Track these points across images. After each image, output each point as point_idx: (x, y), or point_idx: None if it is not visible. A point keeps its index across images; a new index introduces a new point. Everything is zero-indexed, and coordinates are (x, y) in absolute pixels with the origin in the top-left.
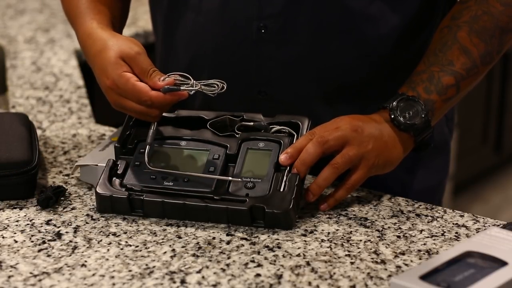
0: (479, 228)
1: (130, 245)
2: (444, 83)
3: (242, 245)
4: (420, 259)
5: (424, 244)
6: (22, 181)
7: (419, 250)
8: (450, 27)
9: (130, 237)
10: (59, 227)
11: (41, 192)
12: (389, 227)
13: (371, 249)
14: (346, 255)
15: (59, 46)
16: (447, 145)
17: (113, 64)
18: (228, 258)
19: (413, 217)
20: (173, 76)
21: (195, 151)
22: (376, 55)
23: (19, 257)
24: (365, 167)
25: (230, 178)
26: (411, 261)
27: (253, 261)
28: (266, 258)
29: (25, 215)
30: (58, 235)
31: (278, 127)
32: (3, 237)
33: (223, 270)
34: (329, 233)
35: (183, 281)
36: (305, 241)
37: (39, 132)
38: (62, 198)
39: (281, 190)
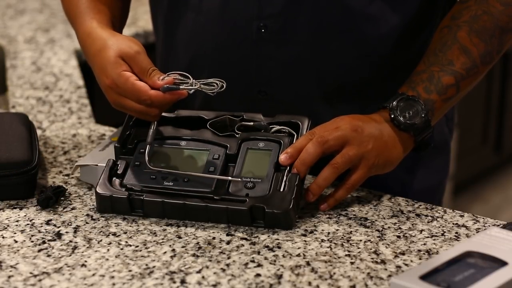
0: (479, 228)
1: (130, 245)
2: (444, 83)
3: (242, 245)
4: (420, 259)
5: (424, 244)
6: (22, 181)
7: (419, 250)
8: (450, 27)
9: (130, 237)
10: (59, 227)
11: (41, 192)
12: (389, 227)
13: (371, 249)
14: (346, 255)
15: (59, 46)
16: (447, 145)
17: (113, 64)
18: (228, 258)
19: (413, 217)
20: (172, 75)
21: (195, 151)
22: (376, 55)
23: (19, 257)
24: (365, 167)
25: (230, 178)
26: (411, 261)
27: (253, 261)
28: (266, 258)
29: (25, 215)
30: (58, 235)
31: (278, 127)
32: (3, 237)
33: (223, 270)
34: (329, 233)
35: (183, 281)
36: (305, 241)
37: (39, 132)
38: (62, 198)
39: (281, 190)
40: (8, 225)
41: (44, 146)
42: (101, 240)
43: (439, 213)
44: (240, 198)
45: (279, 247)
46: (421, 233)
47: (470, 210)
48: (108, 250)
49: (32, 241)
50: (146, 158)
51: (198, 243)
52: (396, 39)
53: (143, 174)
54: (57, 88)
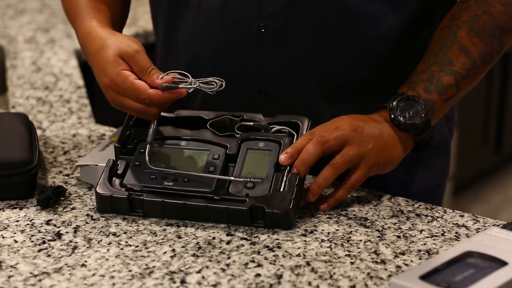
0: (479, 228)
1: (130, 245)
2: (444, 82)
3: (242, 245)
4: (420, 259)
5: (424, 244)
6: (22, 181)
7: (419, 250)
8: (450, 27)
9: (130, 237)
10: (59, 227)
11: (41, 192)
12: (389, 227)
13: (371, 249)
14: (346, 255)
15: (59, 46)
16: (447, 145)
17: (112, 63)
18: (228, 258)
19: (413, 217)
20: (171, 74)
21: (195, 151)
22: (376, 55)
23: (19, 257)
24: (365, 167)
25: (231, 178)
26: (411, 261)
27: (253, 261)
28: (266, 258)
29: (25, 215)
30: (58, 235)
31: (278, 127)
32: (3, 237)
33: (223, 270)
34: (329, 233)
35: (183, 281)
36: (305, 241)
37: (39, 132)
38: (62, 198)
39: (281, 190)
40: (8, 225)
41: (44, 146)
42: (101, 240)
43: (439, 213)
44: (240, 198)
45: (279, 247)
46: (421, 233)
47: (470, 210)
48: (108, 250)
49: (32, 241)
50: (147, 157)
51: (198, 243)
52: (396, 39)
53: (143, 174)
54: (57, 88)
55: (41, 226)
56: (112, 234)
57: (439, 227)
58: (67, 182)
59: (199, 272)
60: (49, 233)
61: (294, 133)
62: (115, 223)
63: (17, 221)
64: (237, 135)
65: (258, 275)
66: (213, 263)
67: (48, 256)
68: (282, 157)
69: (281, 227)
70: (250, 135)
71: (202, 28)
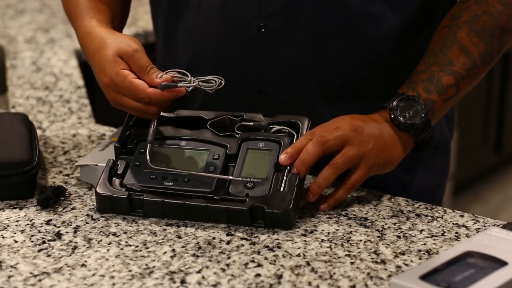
0: (479, 228)
1: (130, 245)
2: (444, 82)
3: (242, 245)
4: (420, 259)
5: (424, 244)
6: (22, 181)
7: (419, 250)
8: (450, 27)
9: (130, 237)
10: (59, 227)
11: (41, 192)
12: (389, 227)
13: (371, 249)
14: (346, 255)
15: (59, 46)
16: (447, 145)
17: (111, 62)
18: (228, 258)
19: (413, 217)
20: (171, 73)
21: (195, 151)
22: (376, 55)
23: (19, 257)
24: (365, 167)
25: (230, 177)
26: (411, 261)
27: (253, 261)
28: (266, 258)
29: (25, 215)
30: (58, 235)
31: (278, 127)
32: (3, 237)
33: (223, 270)
34: (329, 233)
35: (183, 281)
36: (305, 241)
37: (39, 132)
38: (62, 198)
39: (281, 190)
40: (8, 225)
41: (44, 146)
42: (101, 240)
43: (439, 213)
44: (240, 198)
45: (279, 247)
46: (421, 233)
47: (470, 210)
48: (108, 250)
49: (32, 241)
50: (148, 157)
51: (198, 243)
52: (396, 39)
53: (143, 174)
54: (57, 88)
55: (41, 226)
56: (112, 234)
57: (439, 227)
58: (67, 182)
59: (199, 272)
60: (49, 233)
61: (294, 133)
62: (115, 223)
63: (17, 221)
64: (237, 135)
65: (258, 275)
66: (213, 263)
67: (48, 256)
68: (282, 157)
69: (281, 227)
70: (250, 135)
71: (202, 28)
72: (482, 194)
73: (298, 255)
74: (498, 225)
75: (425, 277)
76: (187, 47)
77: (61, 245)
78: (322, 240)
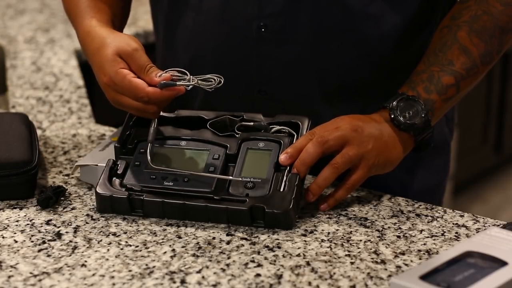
0: (479, 228)
1: (130, 245)
2: (444, 82)
3: (242, 245)
4: (420, 259)
5: (424, 244)
6: (22, 181)
7: (419, 250)
8: (450, 27)
9: (130, 237)
10: (59, 227)
11: (41, 192)
12: (389, 227)
13: (371, 249)
14: (346, 255)
15: (59, 46)
16: (447, 145)
17: (110, 61)
18: (228, 258)
19: (413, 217)
20: (170, 72)
21: (195, 151)
22: (376, 55)
23: (19, 257)
24: (365, 167)
25: (230, 177)
26: (411, 261)
27: (253, 261)
28: (266, 258)
29: (25, 215)
30: (58, 235)
31: (278, 127)
32: (3, 237)
33: (223, 270)
34: (329, 233)
35: (183, 281)
36: (305, 241)
37: (39, 132)
38: (62, 198)
39: (281, 190)
40: (8, 225)
41: (44, 146)
42: (101, 240)
43: (439, 213)
44: (240, 198)
45: (279, 247)
46: (421, 233)
47: (470, 210)
48: (108, 250)
49: (32, 241)
50: (148, 157)
51: (198, 243)
52: (396, 39)
53: (143, 174)
54: (57, 88)
55: (41, 226)
56: (112, 234)
57: (439, 227)
58: (67, 182)
59: (199, 272)
60: (49, 233)
61: (294, 133)
62: (115, 223)
63: (17, 221)
64: (237, 135)
65: (258, 275)
66: (213, 263)
67: (48, 256)
68: (282, 157)
69: (281, 227)
70: (250, 135)
71: (202, 28)
72: (482, 194)
73: (298, 255)
74: (498, 225)
75: (425, 277)
76: (187, 47)
77: (61, 245)
78: (322, 240)
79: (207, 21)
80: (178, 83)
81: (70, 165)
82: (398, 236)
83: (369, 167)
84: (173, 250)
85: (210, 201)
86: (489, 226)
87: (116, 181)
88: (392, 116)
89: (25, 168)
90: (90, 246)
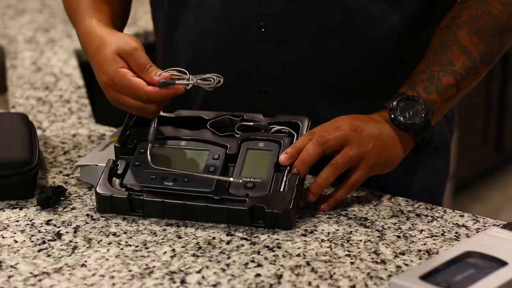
0: (479, 228)
1: (130, 245)
2: (444, 83)
3: (242, 245)
4: (420, 259)
5: (424, 244)
6: (22, 181)
7: (419, 250)
8: (450, 27)
9: (130, 237)
10: (59, 227)
11: (41, 192)
12: (389, 227)
13: (371, 249)
14: (346, 255)
15: (59, 46)
16: (447, 145)
17: (110, 61)
18: (228, 258)
19: (413, 217)
20: (170, 71)
21: (195, 151)
22: (376, 55)
23: (19, 257)
24: (365, 167)
25: (230, 179)
26: (411, 261)
27: (253, 261)
28: (266, 258)
29: (25, 215)
30: (58, 235)
31: (278, 127)
32: (3, 237)
33: (223, 270)
34: (329, 233)
35: (183, 281)
36: (305, 241)
37: (39, 132)
38: (62, 198)
39: (281, 190)
40: (8, 225)
41: (44, 146)
42: (101, 240)
43: (439, 213)
44: (240, 198)
45: (279, 247)
46: (421, 233)
47: (470, 210)
48: (108, 250)
49: (32, 241)
50: (149, 157)
51: (198, 243)
52: (396, 39)
53: (143, 174)
54: (57, 88)
55: (41, 226)
56: (112, 234)
57: (439, 227)
58: (67, 182)
59: (199, 272)
60: (49, 233)
61: (294, 133)
62: (115, 223)
63: (17, 221)
64: (237, 135)
65: (258, 275)
66: (213, 263)
67: (48, 256)
68: (282, 157)
69: (281, 227)
70: (250, 135)
71: (202, 28)
72: (482, 194)
73: (298, 255)
74: (498, 225)
75: (425, 277)
76: (187, 47)
77: (61, 245)
78: (322, 240)
79: (207, 21)
80: (177, 82)
81: (70, 165)
82: (398, 236)
83: (369, 167)
84: (173, 250)
85: (210, 201)
86: (489, 226)
87: (116, 181)
88: (392, 116)
89: (25, 168)
90: (90, 246)
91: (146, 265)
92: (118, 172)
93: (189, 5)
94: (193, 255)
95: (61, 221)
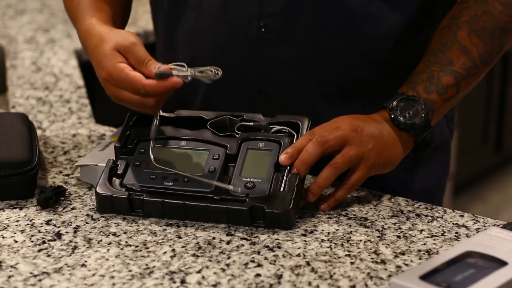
0: (479, 228)
1: (130, 245)
2: (444, 83)
3: (242, 245)
4: (420, 259)
5: (424, 244)
6: (22, 181)
7: (419, 250)
8: (450, 27)
9: (130, 237)
10: (59, 227)
11: (41, 192)
12: (389, 227)
13: (371, 249)
14: (346, 255)
15: (59, 46)
16: (448, 145)
17: (108, 56)
18: (228, 258)
19: (413, 217)
20: (169, 65)
21: (195, 151)
22: (376, 55)
23: (19, 257)
24: (365, 167)
25: (230, 187)
26: (411, 261)
27: (253, 261)
28: (266, 258)
29: (25, 215)
30: (58, 235)
31: (278, 127)
32: (3, 237)
33: (223, 270)
34: (329, 233)
35: (183, 281)
36: (305, 241)
37: (39, 132)
38: (62, 198)
39: (281, 190)
40: (8, 225)
41: (44, 146)
42: (101, 240)
43: (439, 213)
44: (240, 198)
45: (279, 247)
46: (421, 233)
47: (470, 210)
48: (108, 250)
49: (32, 241)
50: (151, 155)
51: (198, 243)
52: (396, 39)
53: (143, 174)
54: (57, 88)
55: (41, 226)
56: (112, 234)
57: (439, 227)
58: (67, 182)
59: (199, 272)
60: (49, 233)
61: (294, 133)
62: (115, 223)
63: (17, 221)
64: (237, 135)
65: (258, 275)
66: (213, 263)
67: (48, 256)
68: (282, 157)
69: (281, 227)
70: (250, 135)
71: (202, 28)
72: (482, 194)
73: (298, 255)
74: (498, 225)
75: (425, 277)
76: (187, 47)
77: (61, 245)
78: (322, 240)
79: (207, 21)
80: (174, 72)
81: (70, 165)
82: (398, 236)
83: (369, 167)
84: (173, 250)
85: (210, 201)
86: (489, 226)
87: (116, 181)
88: (392, 116)
89: (25, 168)
90: (90, 246)
91: (146, 265)
92: (118, 172)
93: (189, 5)
94: (193, 255)
95: (61, 221)
